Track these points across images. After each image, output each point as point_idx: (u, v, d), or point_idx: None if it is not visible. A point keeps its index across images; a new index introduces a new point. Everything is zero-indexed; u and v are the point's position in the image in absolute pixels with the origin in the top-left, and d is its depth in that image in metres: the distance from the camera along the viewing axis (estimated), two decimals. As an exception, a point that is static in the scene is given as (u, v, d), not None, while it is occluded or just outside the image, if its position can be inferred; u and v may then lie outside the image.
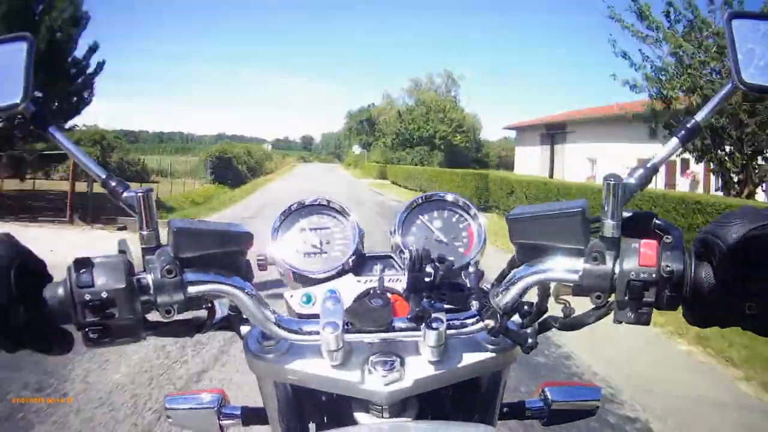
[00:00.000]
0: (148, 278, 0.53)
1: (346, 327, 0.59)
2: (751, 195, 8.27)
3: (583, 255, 0.54)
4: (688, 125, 0.59)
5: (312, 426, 0.76)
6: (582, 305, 0.58)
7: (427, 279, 0.61)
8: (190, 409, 0.84)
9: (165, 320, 0.55)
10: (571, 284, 0.55)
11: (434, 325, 0.59)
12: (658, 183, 13.44)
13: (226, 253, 0.58)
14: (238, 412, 0.84)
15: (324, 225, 0.82)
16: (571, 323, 0.61)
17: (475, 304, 0.61)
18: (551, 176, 19.18)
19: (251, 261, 0.64)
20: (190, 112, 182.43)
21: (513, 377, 2.53)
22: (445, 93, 44.54)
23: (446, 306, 0.62)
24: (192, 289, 0.55)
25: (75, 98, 12.43)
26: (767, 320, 0.51)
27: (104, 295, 0.50)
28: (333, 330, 0.58)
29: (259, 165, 38.01)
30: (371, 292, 0.70)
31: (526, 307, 0.61)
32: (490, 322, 0.59)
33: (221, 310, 0.65)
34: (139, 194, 0.56)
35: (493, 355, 0.65)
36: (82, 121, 19.45)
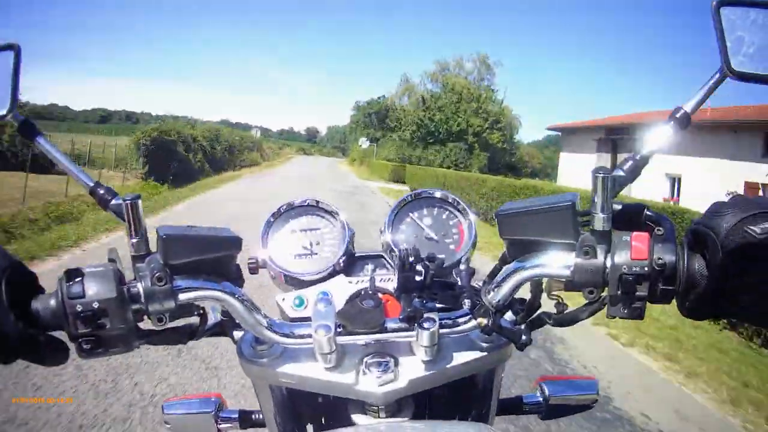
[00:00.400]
0: (139, 286, 0.53)
1: (338, 329, 0.59)
2: None
3: (575, 249, 0.53)
4: (677, 115, 0.59)
5: (310, 428, 0.76)
6: (578, 300, 0.57)
7: (417, 278, 0.61)
8: (188, 414, 0.83)
9: (157, 328, 0.55)
10: (563, 279, 0.55)
11: (426, 325, 0.58)
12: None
13: (216, 259, 0.57)
14: (236, 416, 0.83)
15: (314, 226, 0.81)
16: (565, 319, 0.59)
17: (467, 303, 0.62)
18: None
19: (242, 264, 0.65)
20: (195, 98, 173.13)
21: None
22: (478, 81, 35.77)
23: (438, 305, 0.62)
24: (183, 296, 0.54)
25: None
26: (762, 310, 0.50)
27: (95, 305, 0.50)
28: (325, 333, 0.57)
29: (234, 155, 29.01)
30: (363, 293, 0.70)
31: (518, 304, 0.61)
32: (483, 320, 0.59)
33: (214, 316, 0.65)
34: (127, 202, 0.56)
35: (487, 353, 0.64)
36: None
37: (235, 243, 0.59)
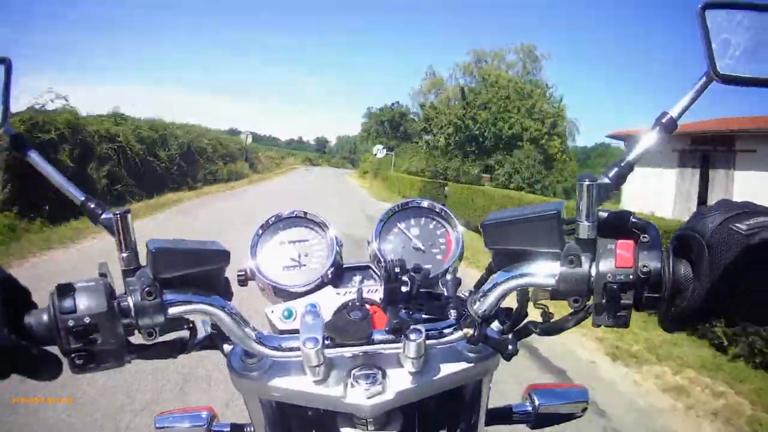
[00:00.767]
0: (129, 301, 0.53)
1: (326, 341, 0.59)
2: None
3: (560, 258, 0.52)
4: (663, 120, 0.58)
5: None
6: (566, 309, 0.56)
7: (404, 289, 0.61)
8: (180, 427, 0.83)
9: (148, 342, 0.55)
10: (549, 288, 0.54)
11: (413, 336, 0.58)
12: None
13: (205, 272, 0.57)
14: (228, 429, 0.83)
15: (302, 237, 0.81)
16: (551, 328, 0.59)
17: (453, 313, 0.61)
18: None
19: (233, 277, 0.65)
20: (201, 107, 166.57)
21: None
22: (523, 75, 28.06)
23: (425, 316, 0.62)
24: (172, 310, 0.54)
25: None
26: (752, 307, 0.50)
27: (87, 320, 0.50)
28: (313, 346, 0.57)
29: (198, 165, 18.12)
30: (350, 304, 0.69)
31: (505, 314, 0.61)
32: (469, 331, 0.59)
33: (204, 329, 0.65)
34: (117, 216, 0.56)
35: (474, 363, 0.64)
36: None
37: (224, 256, 0.59)
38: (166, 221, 10.33)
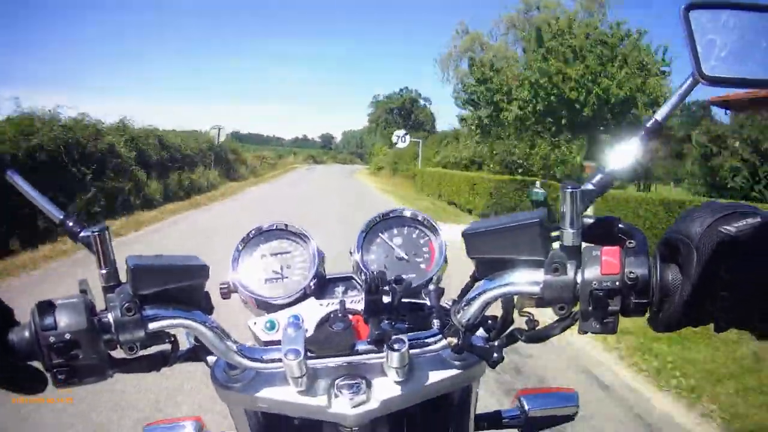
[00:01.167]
0: (109, 317, 0.54)
1: (308, 353, 0.59)
2: None
3: (543, 266, 0.52)
4: (648, 125, 0.58)
5: None
6: (551, 316, 0.56)
7: (386, 300, 0.61)
8: None
9: (129, 357, 0.55)
10: (534, 297, 0.54)
11: (396, 346, 0.58)
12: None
13: (185, 287, 0.58)
14: None
15: (284, 250, 0.81)
16: (537, 335, 0.58)
17: (435, 323, 0.61)
18: None
19: (214, 291, 0.65)
20: (200, 111, 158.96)
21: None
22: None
23: (408, 326, 0.62)
24: (152, 325, 0.55)
25: None
26: (741, 311, 0.49)
27: (68, 336, 0.51)
28: (294, 357, 0.57)
29: (108, 181, 10.20)
30: (332, 315, 0.69)
31: (490, 322, 0.60)
32: (453, 340, 0.59)
33: (188, 342, 0.65)
34: (95, 234, 0.56)
35: (460, 371, 0.64)
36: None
37: (203, 271, 0.59)
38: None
